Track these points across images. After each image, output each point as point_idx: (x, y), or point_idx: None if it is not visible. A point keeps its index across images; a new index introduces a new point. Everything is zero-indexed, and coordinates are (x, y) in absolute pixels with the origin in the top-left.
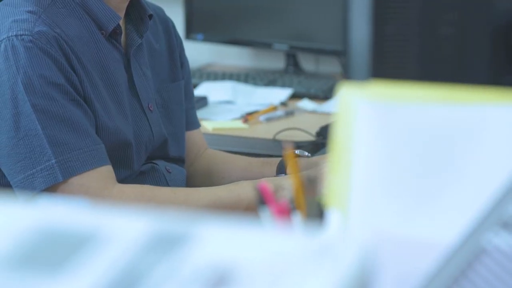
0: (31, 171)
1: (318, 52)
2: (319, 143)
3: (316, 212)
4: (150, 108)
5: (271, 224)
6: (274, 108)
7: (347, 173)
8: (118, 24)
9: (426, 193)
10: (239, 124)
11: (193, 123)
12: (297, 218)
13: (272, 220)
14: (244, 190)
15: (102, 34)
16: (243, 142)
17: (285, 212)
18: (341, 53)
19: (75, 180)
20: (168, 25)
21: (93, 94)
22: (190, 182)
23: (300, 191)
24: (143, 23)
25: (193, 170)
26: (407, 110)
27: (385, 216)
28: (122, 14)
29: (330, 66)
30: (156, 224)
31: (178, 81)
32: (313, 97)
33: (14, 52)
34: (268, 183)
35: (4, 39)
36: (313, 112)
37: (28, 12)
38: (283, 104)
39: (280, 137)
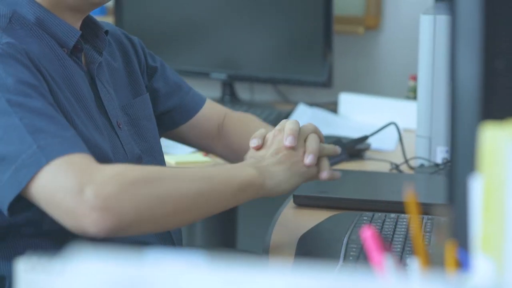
0: (14, 166)
1: (255, 80)
2: None
3: (435, 258)
4: (119, 126)
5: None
6: None
7: (501, 218)
8: (79, 39)
9: None
10: (201, 157)
11: (197, 104)
12: (415, 265)
13: (394, 269)
14: (236, 170)
15: (64, 51)
16: None
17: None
18: (276, 81)
19: (59, 161)
20: (121, 41)
21: (69, 108)
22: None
23: (420, 236)
24: (100, 40)
25: (224, 135)
26: None
27: None
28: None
29: (264, 94)
30: None
31: (142, 95)
32: None
33: None
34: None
35: None
36: None
37: None
38: None
39: None
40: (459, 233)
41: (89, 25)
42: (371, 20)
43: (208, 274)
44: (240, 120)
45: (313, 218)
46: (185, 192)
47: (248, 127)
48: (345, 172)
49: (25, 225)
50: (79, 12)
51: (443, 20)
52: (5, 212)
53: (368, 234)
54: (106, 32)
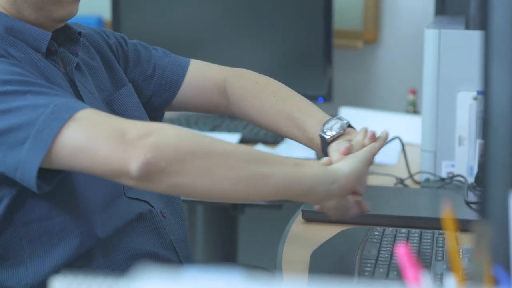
0: (35, 129)
1: None
2: None
3: (473, 275)
4: None
5: None
6: None
7: None
8: (52, 42)
9: None
10: None
11: (178, 78)
12: (451, 282)
13: (431, 286)
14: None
15: (40, 55)
16: None
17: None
18: None
19: (84, 113)
20: (96, 40)
21: None
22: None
23: (456, 253)
24: (73, 42)
25: (235, 106)
26: None
27: None
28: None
29: None
30: None
31: (124, 86)
32: (262, 142)
33: None
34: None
35: None
36: None
37: None
38: None
39: None
40: (496, 250)
41: (61, 29)
42: (370, 34)
43: None
44: (243, 89)
45: (322, 233)
46: (231, 150)
47: (258, 102)
48: None
49: (31, 222)
50: (44, 28)
51: (447, 34)
52: (34, 185)
53: (402, 251)
54: (79, 33)
